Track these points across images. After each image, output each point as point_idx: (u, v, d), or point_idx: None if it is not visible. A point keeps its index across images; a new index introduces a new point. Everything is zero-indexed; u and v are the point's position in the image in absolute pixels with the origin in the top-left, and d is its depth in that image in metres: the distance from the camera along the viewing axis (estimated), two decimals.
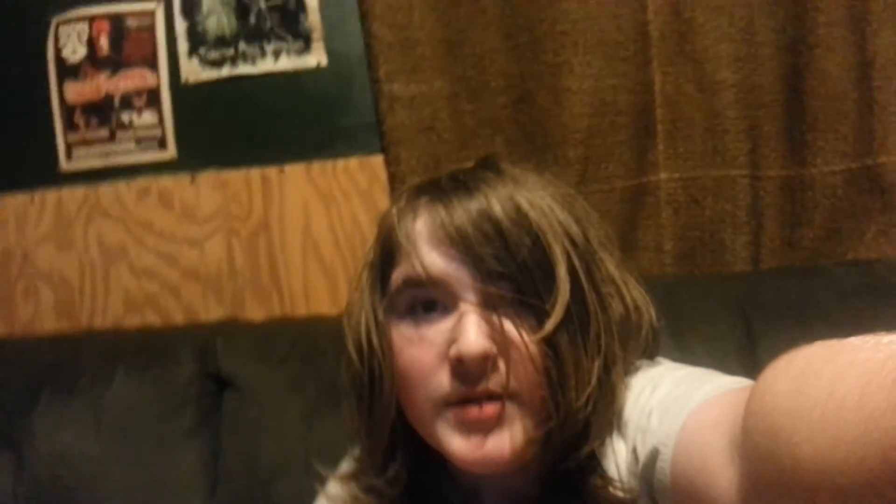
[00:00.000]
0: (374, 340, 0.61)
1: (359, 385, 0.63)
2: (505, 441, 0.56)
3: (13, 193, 1.39)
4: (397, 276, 0.61)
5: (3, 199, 1.39)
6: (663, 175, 1.19)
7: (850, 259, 1.11)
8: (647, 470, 0.52)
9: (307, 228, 1.31)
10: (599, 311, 0.59)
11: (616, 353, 0.60)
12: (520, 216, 0.58)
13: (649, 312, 0.64)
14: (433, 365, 0.57)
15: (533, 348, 0.56)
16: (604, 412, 0.57)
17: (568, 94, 1.19)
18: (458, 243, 0.57)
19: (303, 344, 1.12)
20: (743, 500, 0.40)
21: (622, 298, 0.63)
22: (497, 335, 0.56)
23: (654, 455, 0.51)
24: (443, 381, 0.57)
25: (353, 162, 1.29)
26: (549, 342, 0.56)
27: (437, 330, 0.58)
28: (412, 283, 0.59)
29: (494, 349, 0.55)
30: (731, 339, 0.92)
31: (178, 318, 1.35)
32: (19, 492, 1.12)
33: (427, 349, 0.58)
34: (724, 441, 0.43)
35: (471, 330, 0.55)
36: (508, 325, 0.56)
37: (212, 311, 1.34)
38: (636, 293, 0.64)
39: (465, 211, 0.58)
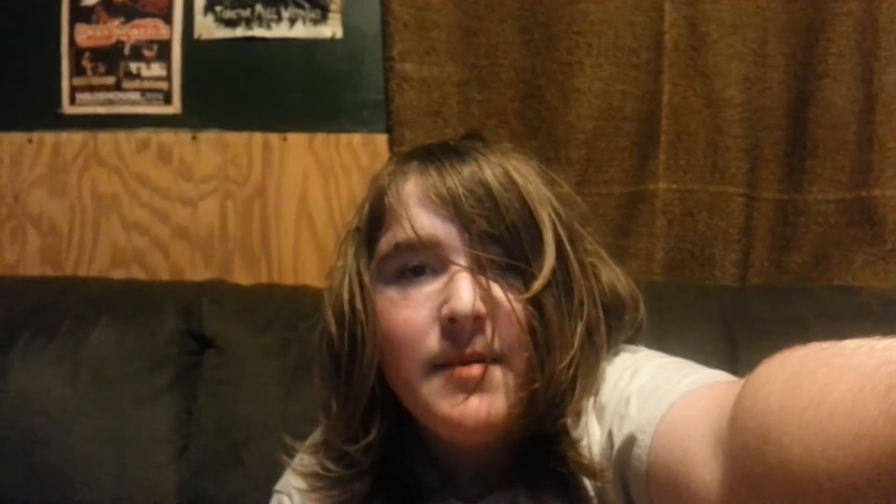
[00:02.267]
0: (358, 305, 0.62)
1: (337, 351, 0.63)
2: (488, 404, 0.57)
3: (11, 132, 1.37)
4: (387, 240, 0.61)
5: None
6: (662, 185, 1.20)
7: (837, 285, 1.13)
8: (622, 456, 0.53)
9: (303, 199, 1.31)
10: (582, 277, 0.61)
11: (599, 319, 0.62)
12: (509, 181, 0.59)
13: (630, 287, 0.66)
14: (423, 326, 0.58)
15: (519, 309, 0.57)
16: (586, 376, 0.59)
17: (577, 94, 1.20)
18: (449, 205, 0.58)
19: (289, 310, 1.11)
20: (725, 495, 0.40)
21: (604, 270, 0.65)
22: (486, 297, 0.56)
23: (630, 441, 0.52)
24: (432, 342, 0.58)
25: (356, 138, 1.29)
26: (535, 303, 0.57)
27: (428, 291, 0.59)
28: (403, 247, 0.60)
29: (484, 309, 0.56)
30: (713, 348, 0.94)
31: (164, 276, 1.34)
32: None
33: (417, 310, 0.58)
34: (709, 435, 0.44)
35: (463, 288, 0.56)
36: (496, 287, 0.57)
37: (199, 273, 1.33)
38: (615, 269, 0.66)
39: (456, 174, 0.59)
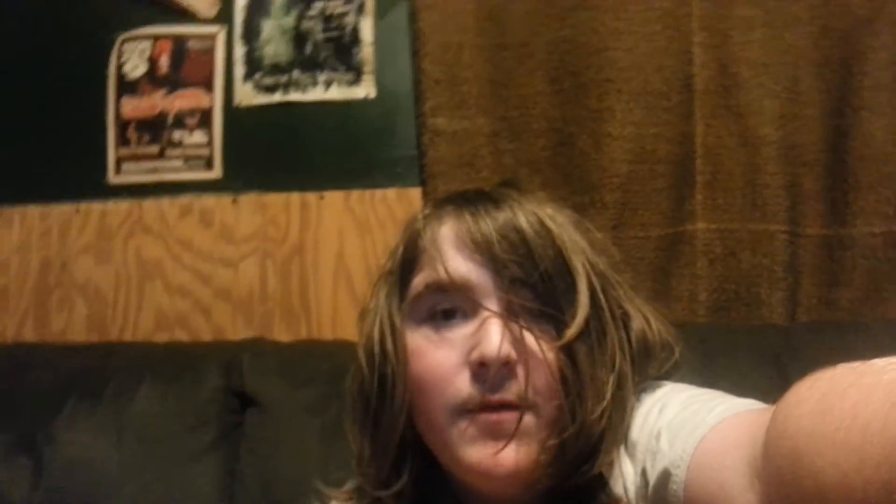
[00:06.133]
0: (389, 346, 0.61)
1: (367, 394, 0.63)
2: (516, 452, 0.56)
3: (59, 203, 1.42)
4: (419, 281, 0.61)
5: (49, 209, 1.43)
6: (700, 225, 1.19)
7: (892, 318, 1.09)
8: (657, 492, 0.52)
9: (340, 255, 1.32)
10: (615, 328, 0.60)
11: (627, 371, 0.60)
12: (543, 229, 0.59)
13: (661, 336, 0.64)
14: (453, 369, 0.57)
15: (551, 357, 0.56)
16: (616, 427, 0.57)
17: (609, 139, 1.20)
18: (483, 250, 0.58)
19: (328, 366, 1.11)
20: None
21: (636, 319, 0.63)
22: (517, 343, 0.56)
23: (665, 477, 0.51)
24: (462, 386, 0.57)
25: (391, 193, 1.31)
26: (567, 352, 0.56)
27: (458, 334, 0.58)
28: (435, 287, 0.60)
29: (514, 355, 0.56)
30: (765, 389, 0.90)
31: (207, 337, 1.36)
32: (35, 498, 1.11)
33: (447, 352, 0.58)
34: (743, 464, 0.43)
35: (493, 332, 0.56)
36: (528, 334, 0.56)
37: (240, 333, 1.35)
38: (646, 316, 0.64)
39: (491, 219, 0.60)
